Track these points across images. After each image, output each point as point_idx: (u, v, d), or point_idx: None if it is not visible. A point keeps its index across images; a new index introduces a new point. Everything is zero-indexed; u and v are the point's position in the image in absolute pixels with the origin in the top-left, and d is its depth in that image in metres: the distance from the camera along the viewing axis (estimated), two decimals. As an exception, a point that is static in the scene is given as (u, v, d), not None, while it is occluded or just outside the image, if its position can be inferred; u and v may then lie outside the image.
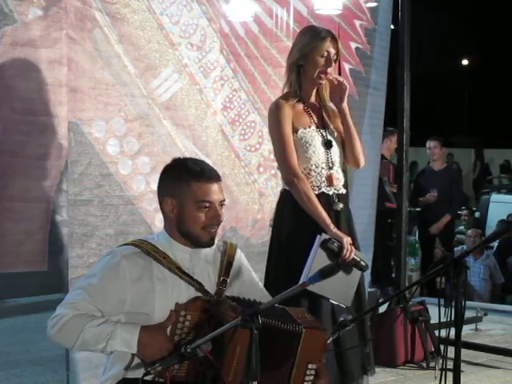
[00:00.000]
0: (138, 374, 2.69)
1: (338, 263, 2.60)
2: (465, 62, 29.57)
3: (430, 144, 9.78)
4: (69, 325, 2.86)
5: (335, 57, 4.41)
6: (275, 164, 4.63)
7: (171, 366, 2.59)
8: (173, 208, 3.00)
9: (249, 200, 5.60)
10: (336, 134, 4.47)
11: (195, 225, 2.97)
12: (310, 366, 2.73)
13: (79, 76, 4.62)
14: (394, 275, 7.41)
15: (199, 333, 2.67)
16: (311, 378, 2.76)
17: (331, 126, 4.46)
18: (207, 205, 2.97)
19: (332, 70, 4.44)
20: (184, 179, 2.98)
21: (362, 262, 4.33)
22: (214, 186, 3.00)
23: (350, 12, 6.29)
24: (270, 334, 2.65)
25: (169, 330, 2.77)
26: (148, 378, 2.56)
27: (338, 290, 4.23)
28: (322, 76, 4.37)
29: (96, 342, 2.83)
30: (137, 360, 2.85)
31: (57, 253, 4.65)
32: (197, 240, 3.00)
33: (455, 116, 26.95)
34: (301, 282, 2.55)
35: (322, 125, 4.42)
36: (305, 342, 2.68)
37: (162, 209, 3.05)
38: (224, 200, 3.05)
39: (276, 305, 2.75)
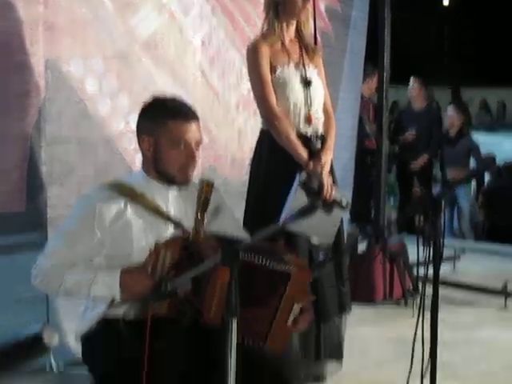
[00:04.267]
0: (119, 312, 2.70)
1: (318, 202, 2.60)
2: (445, 1, 29.38)
3: (411, 82, 9.76)
4: (50, 275, 2.87)
5: None
6: (255, 103, 4.60)
7: (151, 304, 2.60)
8: (149, 146, 2.99)
9: (228, 139, 5.58)
10: (316, 71, 4.44)
11: (171, 164, 2.96)
12: (295, 305, 2.75)
13: (56, 13, 4.55)
14: (373, 214, 7.44)
15: (179, 271, 2.68)
16: (294, 316, 2.77)
17: (311, 65, 4.43)
18: (182, 144, 2.96)
19: (310, 6, 4.39)
20: (161, 117, 2.96)
21: (342, 201, 4.34)
22: (191, 126, 2.98)
23: None
24: (252, 272, 2.66)
25: (149, 269, 2.77)
26: (129, 315, 2.57)
27: (320, 229, 4.24)
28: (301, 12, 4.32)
29: (78, 288, 2.85)
30: (116, 297, 2.86)
31: (35, 192, 4.63)
32: (172, 179, 2.99)
33: (435, 55, 26.87)
34: (280, 221, 2.55)
35: (301, 63, 4.39)
36: (293, 282, 2.70)
37: (140, 147, 3.04)
38: (201, 140, 3.03)
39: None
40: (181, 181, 3.00)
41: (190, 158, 2.97)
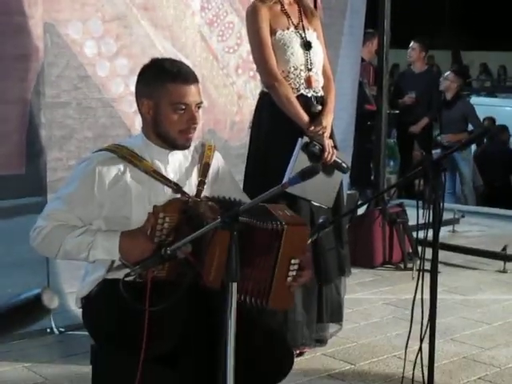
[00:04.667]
0: (119, 275, 2.71)
1: (319, 165, 2.59)
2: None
3: (411, 45, 9.71)
4: (49, 237, 2.86)
5: None
6: (254, 66, 4.58)
7: (150, 267, 2.60)
8: (149, 109, 2.97)
9: (227, 102, 5.57)
10: (316, 35, 4.42)
11: (171, 127, 2.94)
12: (293, 261, 2.75)
13: (54, -25, 4.52)
14: (372, 178, 7.45)
15: (179, 234, 2.67)
16: (294, 272, 2.77)
17: (310, 27, 4.41)
18: (183, 107, 2.93)
19: None
20: (160, 80, 2.93)
21: (343, 164, 4.36)
22: (191, 88, 2.95)
23: None
24: (251, 233, 2.66)
25: (148, 232, 2.77)
26: (128, 278, 2.57)
27: (320, 192, 4.26)
28: None
29: (78, 252, 2.84)
30: (118, 262, 2.87)
31: (35, 156, 4.63)
32: (173, 142, 2.98)
33: (436, 18, 26.71)
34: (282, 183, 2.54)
35: (301, 26, 4.36)
36: (286, 238, 2.69)
37: (139, 110, 3.02)
38: (201, 102, 3.00)
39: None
40: (181, 144, 2.98)
41: (190, 121, 2.95)
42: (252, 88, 5.57)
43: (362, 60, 7.73)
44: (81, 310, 3.06)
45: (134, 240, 2.79)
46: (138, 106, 3.01)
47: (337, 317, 4.67)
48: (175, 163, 3.04)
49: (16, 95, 4.49)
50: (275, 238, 2.69)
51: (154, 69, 2.99)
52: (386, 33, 6.82)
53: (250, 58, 4.54)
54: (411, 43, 9.68)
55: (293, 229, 2.72)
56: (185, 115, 2.93)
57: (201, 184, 3.02)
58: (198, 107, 2.98)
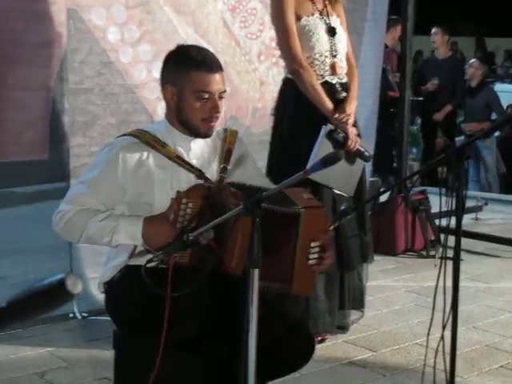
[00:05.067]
0: (141, 261, 2.72)
1: (342, 152, 2.58)
2: None
3: (433, 31, 9.65)
4: (73, 221, 2.86)
5: None
6: (276, 52, 4.57)
7: (173, 253, 2.61)
8: (173, 96, 2.96)
9: (249, 88, 5.56)
10: (339, 21, 4.40)
11: (194, 115, 2.94)
12: (313, 244, 2.75)
13: (77, -39, 4.53)
14: (395, 165, 7.42)
15: (201, 220, 2.68)
16: (315, 255, 2.77)
17: (334, 13, 4.39)
18: (206, 95, 2.92)
19: None
20: (184, 67, 2.93)
21: (366, 153, 4.35)
22: (215, 77, 2.94)
23: None
24: (270, 219, 2.66)
25: (171, 218, 2.77)
26: (151, 264, 2.58)
27: (341, 180, 4.25)
28: None
29: (100, 236, 2.85)
30: (140, 248, 2.88)
31: (58, 142, 4.65)
32: (195, 130, 2.97)
33: (461, 3, 26.49)
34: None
35: (325, 12, 4.34)
36: (304, 221, 2.69)
37: (163, 96, 3.02)
38: (225, 91, 2.99)
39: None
40: (203, 132, 2.98)
41: (213, 110, 2.94)
42: (274, 74, 5.56)
43: (386, 46, 7.69)
44: (103, 295, 3.07)
45: (156, 225, 2.79)
46: (162, 91, 3.01)
47: (358, 304, 4.67)
48: (197, 149, 3.04)
49: (39, 82, 4.51)
50: (293, 222, 2.69)
51: (179, 55, 2.98)
52: (410, 19, 6.78)
53: (273, 44, 4.53)
54: (433, 29, 9.62)
55: (310, 211, 2.72)
56: (208, 103, 2.93)
57: (224, 170, 3.02)
58: (221, 96, 2.97)
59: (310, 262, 2.77)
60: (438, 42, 9.63)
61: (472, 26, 24.66)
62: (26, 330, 4.51)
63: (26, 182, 4.83)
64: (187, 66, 2.92)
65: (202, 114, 2.93)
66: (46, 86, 4.53)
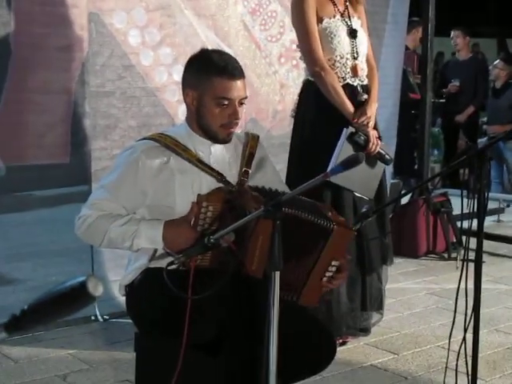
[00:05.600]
0: (162, 263, 2.72)
1: (362, 154, 2.57)
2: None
3: (453, 34, 9.62)
4: (94, 225, 2.88)
5: None
6: (297, 55, 4.56)
7: (194, 256, 2.61)
8: (193, 100, 2.96)
9: (269, 91, 5.56)
10: (360, 22, 4.39)
11: (213, 121, 2.94)
12: (333, 262, 2.76)
13: (98, -35, 4.55)
14: (416, 167, 7.40)
15: (222, 223, 2.68)
16: (331, 274, 2.78)
17: (355, 15, 4.38)
18: (226, 102, 2.91)
19: None
20: (205, 73, 2.92)
21: (386, 156, 4.34)
22: (236, 83, 2.92)
23: None
24: (297, 226, 2.66)
25: (192, 221, 2.78)
26: (172, 267, 2.58)
27: (362, 183, 4.24)
28: None
29: (122, 240, 2.86)
30: (160, 250, 2.88)
31: (79, 145, 4.67)
32: (214, 136, 2.97)
33: (482, 5, 26.38)
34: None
35: (346, 14, 4.33)
36: (334, 238, 2.69)
37: (184, 99, 3.02)
38: (245, 97, 2.98)
39: (305, 198, 2.76)
40: (222, 138, 2.98)
41: (232, 116, 2.94)
42: (295, 77, 5.56)
43: (407, 48, 7.67)
44: (124, 297, 3.08)
45: (177, 229, 2.80)
46: (183, 95, 3.01)
47: (378, 306, 4.66)
48: (218, 153, 3.04)
49: (60, 85, 4.53)
50: (322, 236, 2.69)
51: (201, 60, 2.98)
52: (431, 21, 6.77)
53: (293, 46, 4.53)
54: (452, 32, 9.59)
55: (342, 230, 2.73)
56: (227, 110, 2.92)
57: (245, 174, 3.02)
58: (242, 102, 2.96)
59: (324, 279, 2.78)
60: (460, 44, 9.59)
61: (493, 28, 24.54)
62: (48, 333, 4.53)
63: (48, 186, 4.86)
64: (209, 72, 2.91)
65: (221, 120, 2.93)
66: (67, 90, 4.56)
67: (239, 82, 2.93)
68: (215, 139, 2.99)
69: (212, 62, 2.93)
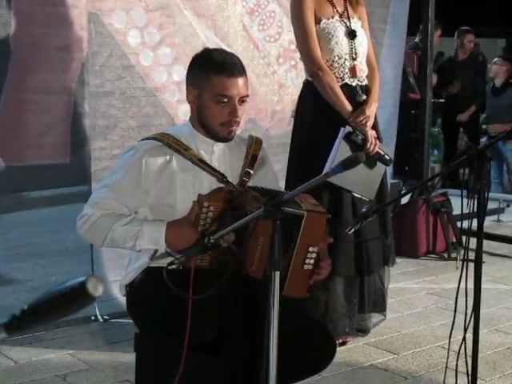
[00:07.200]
0: (162, 263, 2.72)
1: (362, 155, 2.57)
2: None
3: (468, 37, 9.64)
4: (97, 225, 2.87)
5: None
6: (295, 55, 4.57)
7: (194, 256, 2.61)
8: (194, 99, 2.97)
9: (268, 91, 5.56)
10: (360, 23, 4.39)
11: (213, 119, 2.94)
12: (310, 249, 2.74)
13: (98, -35, 4.55)
14: (416, 167, 7.40)
15: (222, 223, 2.68)
16: (312, 261, 2.77)
17: (355, 16, 4.38)
18: (225, 100, 2.91)
19: None
20: (205, 71, 2.92)
21: (386, 156, 4.31)
22: (235, 81, 2.91)
23: None
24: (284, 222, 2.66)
25: (192, 221, 2.78)
26: (172, 266, 2.58)
27: (361, 184, 4.23)
28: None
29: (124, 240, 2.86)
30: (161, 250, 2.88)
31: (79, 145, 4.67)
32: (215, 134, 2.97)
33: (482, 5, 26.39)
34: (323, 173, 2.52)
35: (345, 14, 4.33)
36: (306, 224, 2.69)
37: (187, 98, 3.02)
38: (247, 95, 2.97)
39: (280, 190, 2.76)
40: (223, 136, 2.97)
41: (231, 114, 2.93)
42: (293, 77, 5.55)
43: (418, 47, 7.69)
44: (125, 297, 3.08)
45: (179, 229, 2.80)
46: (186, 94, 3.02)
47: (380, 307, 4.65)
48: (220, 153, 3.04)
49: (60, 85, 4.53)
50: (295, 224, 2.68)
51: (202, 58, 2.98)
52: (431, 21, 6.77)
53: (292, 47, 4.53)
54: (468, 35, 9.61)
55: (312, 215, 2.71)
56: (226, 108, 2.92)
57: (247, 174, 3.01)
58: (242, 101, 2.95)
59: (305, 266, 2.77)
60: (467, 45, 9.63)
61: (493, 28, 24.55)
62: (48, 333, 4.53)
63: (47, 186, 4.85)
64: (208, 70, 2.91)
65: (221, 118, 2.93)
66: (66, 90, 4.56)
67: (239, 80, 2.92)
68: (216, 138, 2.99)
69: (211, 59, 2.93)
